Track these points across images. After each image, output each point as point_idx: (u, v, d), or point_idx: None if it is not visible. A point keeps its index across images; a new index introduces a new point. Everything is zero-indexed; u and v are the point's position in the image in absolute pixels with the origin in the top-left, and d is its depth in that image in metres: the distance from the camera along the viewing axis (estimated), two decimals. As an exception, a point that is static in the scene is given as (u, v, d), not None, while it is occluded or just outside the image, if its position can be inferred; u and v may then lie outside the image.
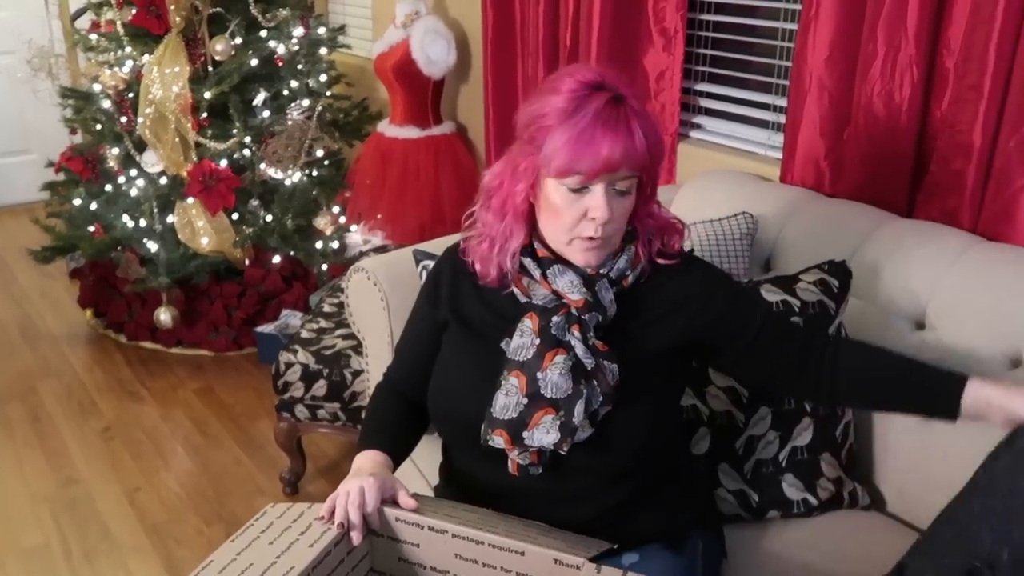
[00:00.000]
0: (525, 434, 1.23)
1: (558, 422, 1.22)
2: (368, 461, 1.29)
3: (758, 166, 2.30)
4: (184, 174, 3.03)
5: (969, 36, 1.71)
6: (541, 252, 1.29)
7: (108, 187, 3.23)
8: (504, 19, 2.95)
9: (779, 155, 2.21)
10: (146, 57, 3.02)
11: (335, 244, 3.33)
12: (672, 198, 2.14)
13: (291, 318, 3.20)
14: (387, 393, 1.46)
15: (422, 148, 3.54)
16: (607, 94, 1.19)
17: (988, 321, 1.57)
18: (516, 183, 1.25)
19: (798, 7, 2.14)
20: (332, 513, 1.19)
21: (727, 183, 2.14)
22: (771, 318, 1.36)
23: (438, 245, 1.91)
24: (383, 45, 3.54)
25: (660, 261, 1.31)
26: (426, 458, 1.76)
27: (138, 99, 2.99)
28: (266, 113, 3.13)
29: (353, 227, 3.47)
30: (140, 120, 2.99)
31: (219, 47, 3.01)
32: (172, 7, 2.92)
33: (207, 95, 3.01)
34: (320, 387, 2.31)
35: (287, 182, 3.18)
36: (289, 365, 2.32)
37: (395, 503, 1.22)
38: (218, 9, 3.03)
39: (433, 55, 3.36)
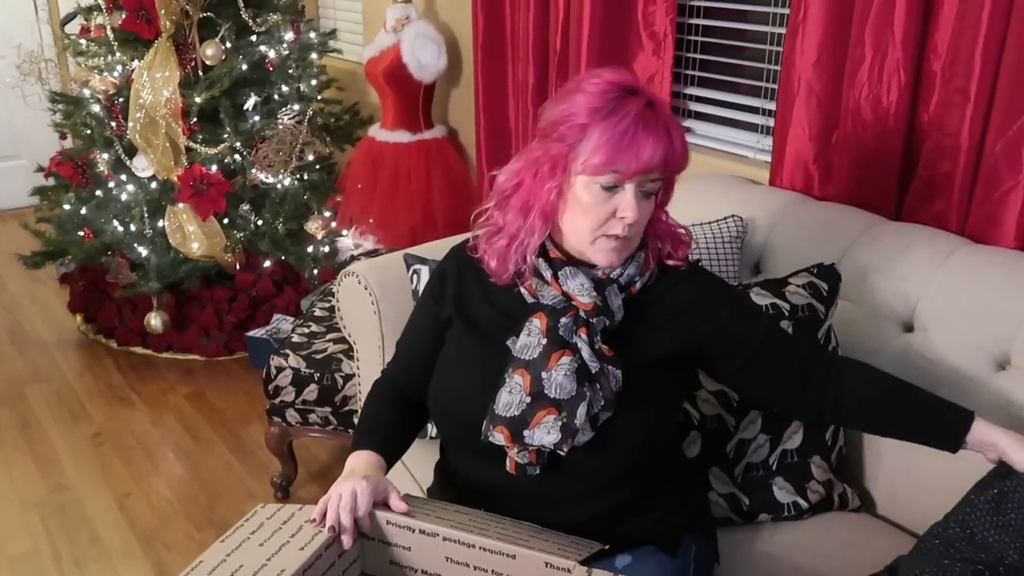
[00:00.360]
0: (526, 433, 1.23)
1: (560, 423, 1.22)
2: (361, 462, 1.29)
3: (747, 169, 2.31)
4: (175, 179, 3.03)
5: (956, 40, 1.72)
6: (553, 253, 1.29)
7: (98, 192, 3.22)
8: (494, 23, 2.96)
9: (768, 158, 2.22)
10: (136, 62, 3.01)
11: (326, 248, 3.33)
12: (662, 201, 2.15)
13: (282, 322, 3.20)
14: (384, 390, 1.46)
15: (413, 152, 3.54)
16: (643, 98, 1.21)
17: (976, 323, 1.58)
18: (544, 181, 1.25)
19: (786, 11, 2.15)
20: (323, 516, 1.19)
21: (716, 186, 2.15)
22: (774, 333, 1.35)
23: (429, 249, 1.91)
24: (374, 50, 3.54)
25: (669, 262, 1.33)
26: (418, 460, 1.76)
27: (128, 104, 2.98)
28: (257, 118, 3.12)
29: (344, 231, 3.47)
30: (130, 125, 2.99)
31: (209, 52, 3.01)
32: (162, 12, 2.92)
33: (198, 100, 3.01)
34: (311, 391, 2.31)
35: (278, 186, 3.18)
36: (280, 369, 2.32)
37: (387, 506, 1.22)
38: (208, 14, 3.02)
39: (424, 59, 3.36)
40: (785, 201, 2.01)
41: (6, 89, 3.55)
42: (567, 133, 1.22)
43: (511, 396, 1.25)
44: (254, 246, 3.20)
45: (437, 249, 1.85)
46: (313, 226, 3.28)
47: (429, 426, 1.82)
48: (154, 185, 3.09)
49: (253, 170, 3.08)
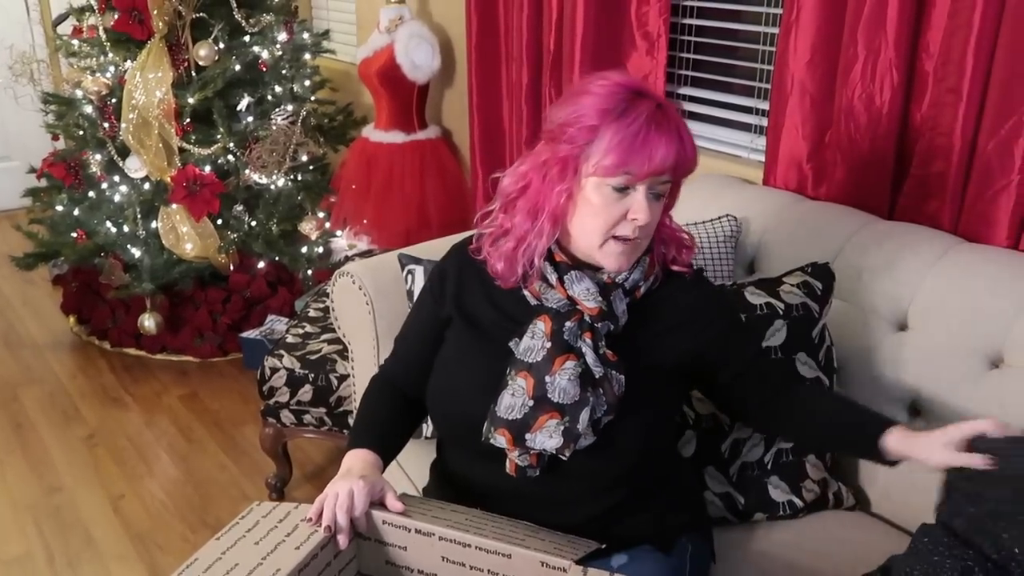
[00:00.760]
0: (528, 436, 1.23)
1: (562, 427, 1.22)
2: (358, 461, 1.29)
3: (741, 169, 2.32)
4: (168, 180, 3.02)
5: (948, 40, 1.73)
6: (559, 257, 1.29)
7: (91, 193, 3.20)
8: (488, 24, 2.96)
9: (762, 158, 2.23)
10: (129, 63, 3.01)
11: (320, 249, 3.32)
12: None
13: (276, 323, 3.19)
14: (381, 387, 1.46)
15: (407, 153, 3.54)
16: (653, 100, 1.22)
17: (969, 321, 1.58)
18: (553, 184, 1.24)
19: (779, 11, 2.16)
20: (319, 515, 1.19)
21: (710, 186, 2.15)
22: (762, 357, 1.41)
23: (424, 249, 1.91)
24: (367, 50, 3.54)
25: (674, 267, 1.33)
26: (413, 460, 1.76)
27: (121, 105, 2.98)
28: (250, 118, 3.12)
29: (338, 232, 3.47)
30: (123, 126, 2.98)
31: (202, 52, 3.00)
32: (155, 12, 2.91)
33: (191, 100, 3.00)
34: (306, 392, 2.31)
35: (272, 187, 3.17)
36: (275, 370, 2.32)
37: (383, 505, 1.22)
38: (201, 14, 3.02)
39: (417, 60, 3.36)
40: (779, 201, 2.02)
41: (-2, 90, 3.53)
42: (577, 135, 1.21)
43: (513, 399, 1.24)
44: (248, 247, 3.19)
45: (432, 249, 1.85)
46: (307, 227, 3.27)
47: (424, 426, 1.82)
48: (147, 186, 3.08)
49: (247, 171, 3.07)
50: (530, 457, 1.26)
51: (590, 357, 1.24)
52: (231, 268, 3.23)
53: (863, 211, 1.89)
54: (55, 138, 3.52)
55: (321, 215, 3.36)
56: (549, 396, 1.23)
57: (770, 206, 2.00)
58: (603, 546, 1.22)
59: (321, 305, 2.66)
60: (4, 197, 4.66)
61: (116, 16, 2.99)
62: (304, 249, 3.28)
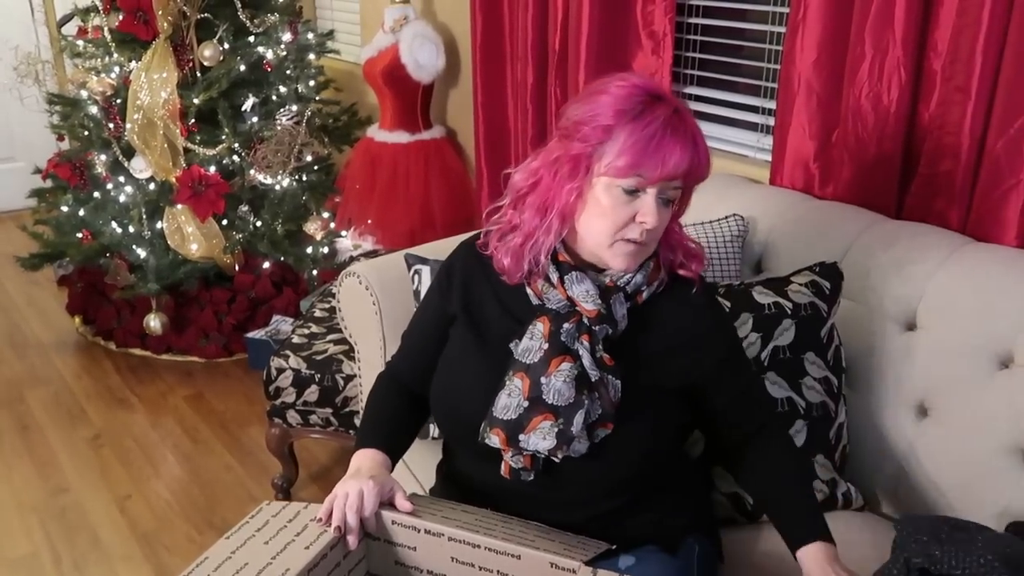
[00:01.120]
0: (521, 437, 1.23)
1: (555, 429, 1.21)
2: (367, 461, 1.28)
3: (748, 169, 2.32)
4: (173, 180, 3.02)
5: (956, 38, 1.72)
6: (562, 256, 1.29)
7: (96, 194, 3.21)
8: (493, 23, 2.95)
9: (768, 158, 2.22)
10: (134, 63, 3.01)
11: (325, 249, 3.33)
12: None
13: (282, 324, 3.19)
14: (387, 384, 1.46)
15: (412, 153, 3.54)
16: (671, 104, 1.21)
17: (978, 321, 1.57)
18: (564, 182, 1.24)
19: (786, 10, 2.15)
20: (328, 515, 1.18)
21: (717, 186, 2.14)
22: (753, 386, 1.41)
23: (430, 249, 1.91)
24: (372, 50, 3.54)
25: (681, 272, 1.32)
26: (419, 461, 1.76)
27: (126, 105, 2.98)
28: (255, 119, 3.12)
29: (343, 232, 3.47)
30: (128, 126, 2.98)
31: (207, 52, 3.00)
32: (159, 13, 2.91)
33: (196, 101, 3.00)
34: (312, 392, 2.31)
35: (277, 187, 3.18)
36: (280, 370, 2.32)
37: (392, 506, 1.22)
38: (206, 15, 3.02)
39: (422, 60, 3.36)
40: (786, 200, 2.01)
41: (3, 91, 3.54)
42: (591, 134, 1.21)
43: (509, 399, 1.24)
44: (253, 247, 3.19)
45: (438, 249, 1.84)
46: (312, 227, 3.27)
47: (431, 427, 1.81)
48: (152, 186, 3.09)
49: (251, 171, 3.08)
50: (524, 459, 1.25)
51: (586, 360, 1.23)
52: (236, 268, 3.23)
53: (871, 210, 1.89)
54: (60, 139, 3.52)
55: (326, 215, 3.36)
56: (544, 397, 1.22)
57: (777, 205, 1.99)
58: (614, 547, 1.21)
59: (326, 305, 2.66)
60: (9, 198, 4.67)
61: (121, 17, 2.99)
62: (309, 249, 3.28)
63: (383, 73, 3.44)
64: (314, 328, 2.53)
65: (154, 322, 3.16)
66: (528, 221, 1.27)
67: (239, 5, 3.05)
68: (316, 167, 3.35)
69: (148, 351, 3.30)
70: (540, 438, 1.22)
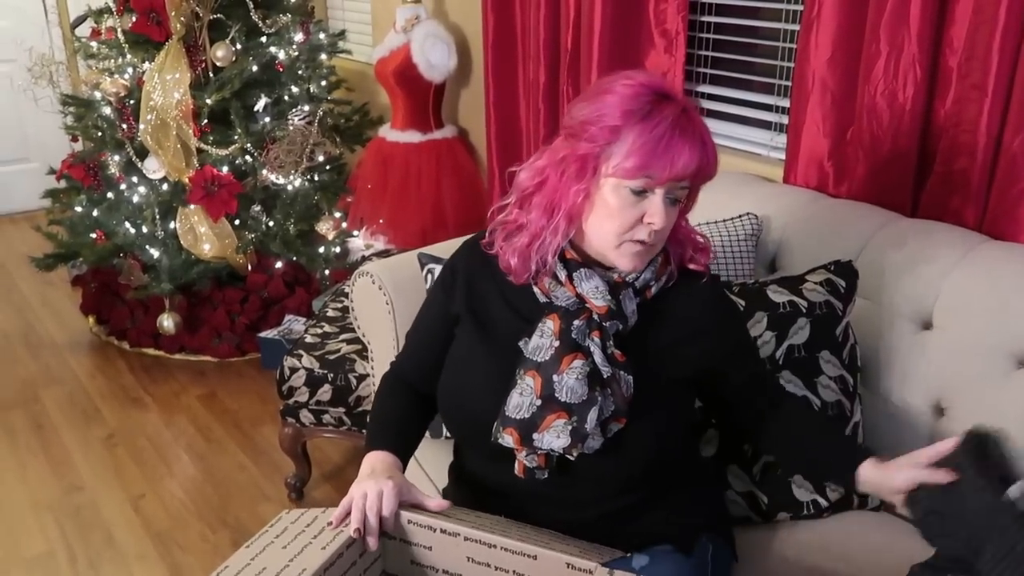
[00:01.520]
0: (535, 436, 1.22)
1: (569, 427, 1.21)
2: (380, 463, 1.28)
3: (761, 167, 2.31)
4: (186, 180, 3.03)
5: (972, 35, 1.71)
6: (569, 254, 1.28)
7: (110, 194, 3.22)
8: (505, 23, 2.95)
9: (782, 156, 2.22)
10: (147, 64, 3.02)
11: (337, 249, 3.33)
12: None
13: (294, 323, 3.20)
14: (394, 385, 1.45)
15: (423, 152, 3.55)
16: (679, 104, 1.20)
17: (995, 320, 1.56)
18: (571, 182, 1.23)
19: (800, 8, 2.14)
20: (342, 518, 1.18)
21: (730, 184, 2.14)
22: (760, 372, 1.42)
23: (443, 249, 1.91)
24: (383, 50, 3.55)
25: (691, 266, 1.32)
26: (433, 461, 1.76)
27: (139, 106, 2.99)
28: (267, 119, 3.13)
29: (355, 232, 3.47)
30: (141, 127, 2.99)
31: (220, 53, 3.01)
32: (172, 14, 2.92)
33: (208, 101, 3.01)
34: (325, 392, 2.31)
35: (289, 187, 3.18)
36: (293, 370, 2.32)
37: (413, 507, 1.21)
38: (218, 15, 3.03)
39: (434, 59, 3.36)
40: (800, 198, 2.01)
41: (18, 92, 3.57)
42: (598, 134, 1.20)
43: (522, 398, 1.24)
44: (265, 247, 3.20)
45: (451, 248, 1.82)
46: (324, 227, 3.28)
47: (444, 426, 1.81)
48: (165, 187, 3.10)
49: (264, 171, 3.08)
50: (538, 458, 1.25)
51: (598, 356, 1.23)
52: (249, 268, 3.24)
53: (885, 208, 1.88)
54: (74, 139, 3.54)
55: (338, 215, 3.36)
56: (557, 395, 1.22)
57: (791, 204, 1.99)
58: (628, 555, 1.21)
59: (339, 305, 2.66)
60: (24, 198, 4.69)
61: (134, 18, 3.01)
62: (321, 249, 3.29)
63: (395, 73, 3.45)
64: (327, 328, 2.54)
65: (167, 322, 3.17)
66: (535, 221, 1.27)
67: (251, 6, 3.06)
68: (328, 167, 3.35)
69: (161, 351, 3.31)
70: (554, 436, 1.21)
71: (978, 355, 1.57)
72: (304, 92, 3.23)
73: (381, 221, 3.53)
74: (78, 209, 3.30)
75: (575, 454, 1.23)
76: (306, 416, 2.37)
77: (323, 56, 3.37)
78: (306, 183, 3.22)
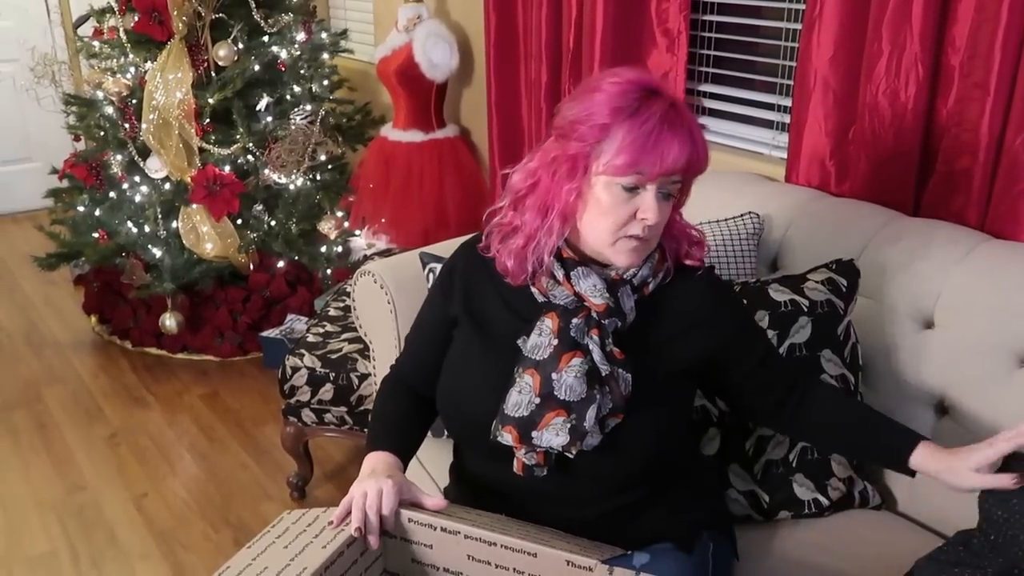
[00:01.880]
0: (534, 434, 1.23)
1: (568, 425, 1.21)
2: (381, 462, 1.28)
3: (763, 166, 2.31)
4: (188, 180, 3.03)
5: (974, 34, 1.71)
6: (566, 253, 1.28)
7: (112, 193, 3.23)
8: (507, 22, 2.95)
9: (784, 155, 2.21)
10: (149, 63, 3.02)
11: (339, 248, 3.33)
12: (677, 199, 2.14)
13: (296, 323, 3.21)
14: (394, 386, 1.46)
15: (425, 152, 3.55)
16: (666, 99, 1.20)
17: (996, 319, 1.56)
18: (563, 182, 1.23)
19: (802, 7, 2.14)
20: (343, 517, 1.19)
21: (732, 183, 2.14)
22: (771, 354, 1.40)
23: (445, 248, 1.90)
24: (385, 49, 3.54)
25: (687, 262, 1.32)
26: (434, 460, 1.76)
27: (141, 105, 2.99)
28: (269, 118, 3.13)
29: (357, 231, 3.47)
30: (144, 126, 2.99)
31: (222, 52, 3.02)
32: (174, 13, 2.93)
33: (210, 101, 3.01)
34: (327, 391, 2.31)
35: (291, 187, 3.18)
36: (295, 369, 2.32)
37: (413, 506, 1.22)
38: (220, 15, 3.03)
39: (436, 59, 3.36)
40: (802, 197, 2.00)
41: (20, 92, 3.57)
42: (588, 133, 1.20)
43: (520, 396, 1.24)
44: (267, 246, 3.20)
45: (453, 248, 1.83)
46: (326, 226, 3.28)
47: (446, 425, 1.82)
48: (168, 186, 3.10)
49: (266, 171, 3.09)
50: (537, 455, 1.25)
51: (597, 354, 1.23)
52: (251, 268, 3.25)
53: (887, 207, 1.87)
54: (76, 139, 3.55)
55: (340, 214, 3.37)
56: (555, 393, 1.22)
57: (793, 203, 1.98)
58: (628, 553, 1.21)
59: (341, 304, 2.67)
60: (26, 198, 4.70)
61: (136, 17, 3.01)
62: (323, 248, 3.29)
63: (397, 72, 3.45)
64: (329, 327, 2.54)
65: (169, 321, 3.18)
66: (529, 223, 1.27)
67: (253, 5, 3.07)
68: (330, 166, 3.35)
69: (164, 350, 3.32)
70: (553, 434, 1.22)
71: (980, 354, 1.57)
72: (306, 91, 3.24)
73: (383, 220, 3.53)
74: (80, 209, 3.31)
75: (574, 452, 1.23)
76: (308, 415, 2.37)
77: (325, 55, 3.37)
78: (308, 183, 3.23)
